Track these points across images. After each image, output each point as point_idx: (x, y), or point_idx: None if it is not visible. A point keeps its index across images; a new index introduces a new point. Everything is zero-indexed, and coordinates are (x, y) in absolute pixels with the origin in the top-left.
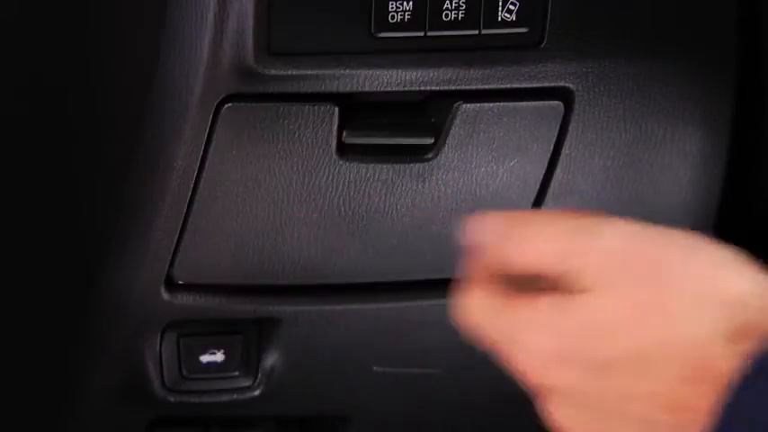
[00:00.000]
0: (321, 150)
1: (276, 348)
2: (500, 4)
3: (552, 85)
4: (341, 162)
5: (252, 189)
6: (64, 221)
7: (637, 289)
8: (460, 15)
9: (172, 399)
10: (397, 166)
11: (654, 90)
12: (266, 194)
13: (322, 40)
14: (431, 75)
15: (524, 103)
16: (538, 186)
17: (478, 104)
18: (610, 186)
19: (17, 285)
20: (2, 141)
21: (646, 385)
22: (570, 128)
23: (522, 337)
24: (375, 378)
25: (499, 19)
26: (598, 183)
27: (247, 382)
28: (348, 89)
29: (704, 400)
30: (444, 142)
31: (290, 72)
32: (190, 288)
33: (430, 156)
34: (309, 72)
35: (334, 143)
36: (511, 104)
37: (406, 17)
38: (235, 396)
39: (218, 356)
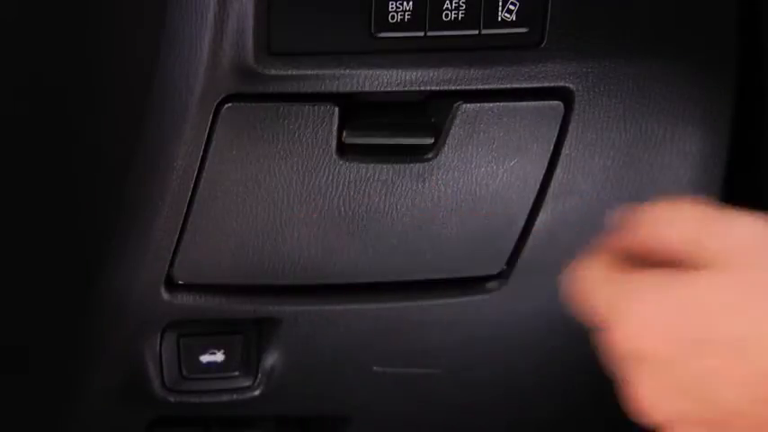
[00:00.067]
0: (321, 150)
1: (276, 348)
2: (500, 4)
3: (552, 85)
4: (341, 162)
5: (252, 189)
6: (64, 221)
7: (760, 271)
8: (460, 15)
9: (172, 399)
10: (397, 166)
11: (654, 90)
12: (266, 194)
13: (322, 40)
14: (431, 75)
15: (524, 103)
16: (538, 186)
17: (478, 104)
18: (610, 186)
19: (17, 285)
20: (2, 141)
21: (737, 372)
22: (570, 128)
23: (627, 304)
24: (375, 378)
25: (499, 19)
26: (598, 183)
27: (247, 382)
28: (348, 89)
29: None
30: (444, 142)
31: (290, 72)
32: (190, 288)
33: (430, 156)
34: (309, 72)
35: (334, 143)
36: (511, 104)
37: (406, 17)
38: (235, 396)
39: (218, 356)
